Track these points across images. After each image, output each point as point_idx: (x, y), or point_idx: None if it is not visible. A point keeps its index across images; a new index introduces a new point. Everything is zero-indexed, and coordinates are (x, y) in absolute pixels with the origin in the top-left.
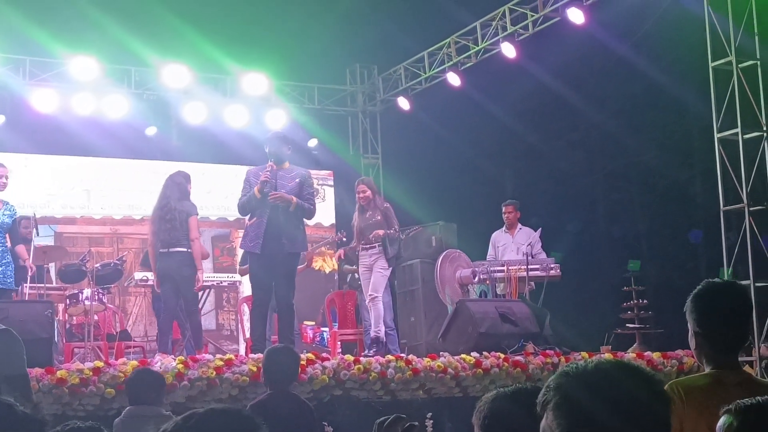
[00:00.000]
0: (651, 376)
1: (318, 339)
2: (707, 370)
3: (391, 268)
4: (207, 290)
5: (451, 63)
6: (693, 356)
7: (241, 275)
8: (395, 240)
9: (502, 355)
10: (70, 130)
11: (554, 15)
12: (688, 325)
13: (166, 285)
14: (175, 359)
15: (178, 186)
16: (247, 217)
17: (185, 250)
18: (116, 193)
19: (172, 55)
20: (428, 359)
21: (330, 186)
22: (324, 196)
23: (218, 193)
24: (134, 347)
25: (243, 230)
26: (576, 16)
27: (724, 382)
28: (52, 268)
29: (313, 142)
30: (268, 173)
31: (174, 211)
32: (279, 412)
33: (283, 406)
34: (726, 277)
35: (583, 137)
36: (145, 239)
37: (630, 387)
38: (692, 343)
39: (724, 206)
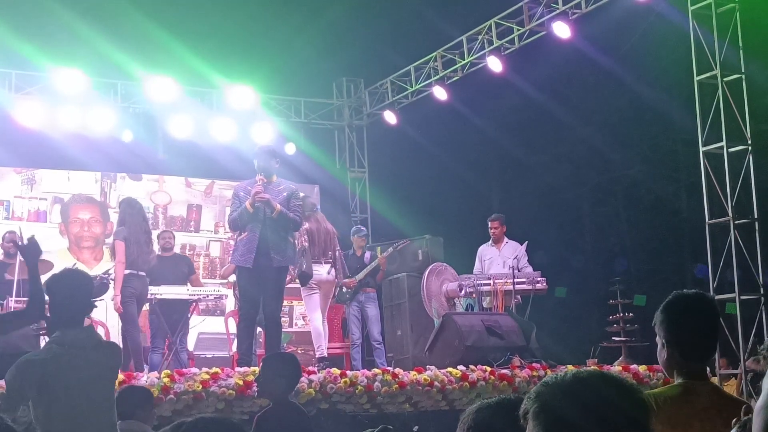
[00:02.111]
0: (630, 385)
1: None
2: (677, 380)
3: (303, 286)
4: (193, 304)
5: (438, 77)
6: None
7: (224, 278)
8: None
9: (489, 369)
10: (55, 143)
11: (540, 29)
12: (657, 337)
13: (135, 305)
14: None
15: (144, 213)
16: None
17: None
18: (102, 207)
19: (159, 69)
20: (415, 372)
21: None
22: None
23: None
24: None
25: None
26: (562, 30)
27: (693, 393)
28: None
29: (291, 149)
30: (259, 186)
31: (147, 234)
32: (283, 424)
33: (287, 417)
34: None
35: (569, 151)
36: None
37: (609, 395)
38: (662, 354)
39: (709, 220)
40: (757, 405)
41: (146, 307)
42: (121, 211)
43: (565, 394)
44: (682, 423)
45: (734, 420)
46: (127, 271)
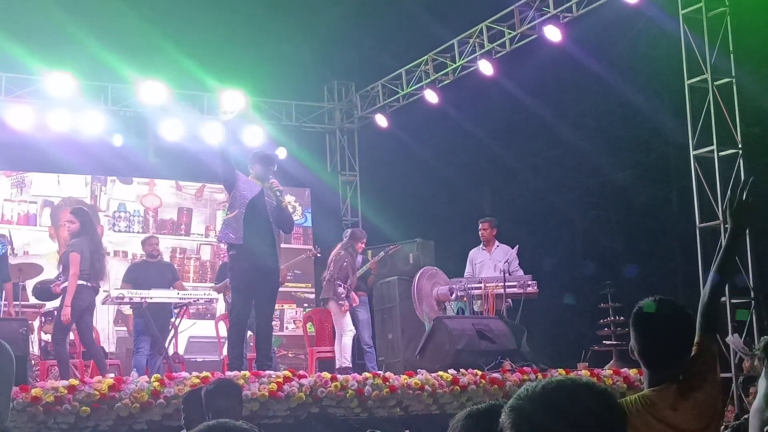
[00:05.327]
0: (602, 390)
1: None
2: (646, 384)
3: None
4: (183, 308)
5: (429, 80)
6: None
7: (218, 293)
8: None
9: (480, 372)
10: (45, 146)
11: (531, 32)
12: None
13: (86, 317)
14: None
15: (95, 223)
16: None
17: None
18: (92, 211)
19: (149, 72)
20: (405, 376)
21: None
22: (301, 213)
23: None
24: (110, 365)
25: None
26: (553, 33)
27: (653, 401)
28: (29, 285)
29: (282, 153)
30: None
31: (101, 247)
32: None
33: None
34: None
35: (559, 155)
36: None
37: (581, 401)
38: (632, 355)
39: (700, 223)
40: (753, 407)
41: (129, 310)
42: (81, 221)
43: (538, 405)
44: (640, 430)
45: (723, 427)
46: (80, 282)
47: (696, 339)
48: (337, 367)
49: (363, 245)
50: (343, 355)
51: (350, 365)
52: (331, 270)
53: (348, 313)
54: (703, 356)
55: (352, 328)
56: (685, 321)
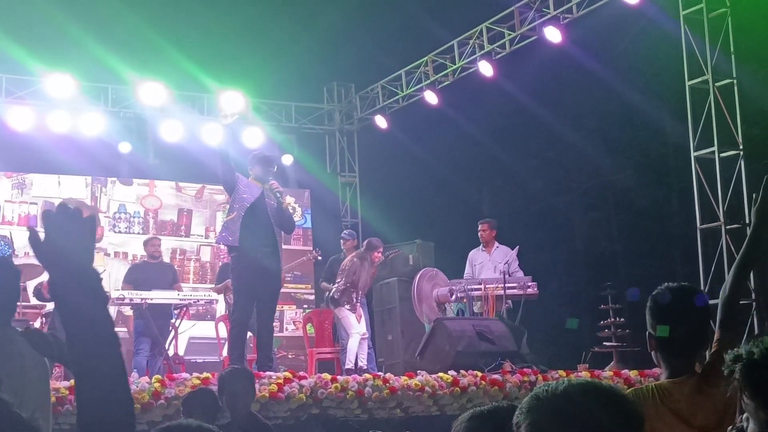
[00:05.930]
0: (622, 396)
1: None
2: (664, 375)
3: None
4: (183, 309)
5: (429, 81)
6: None
7: (218, 294)
8: None
9: (480, 374)
10: (46, 147)
11: (531, 33)
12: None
13: None
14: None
15: None
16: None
17: None
18: (92, 211)
19: (149, 73)
20: (405, 378)
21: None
22: (301, 215)
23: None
24: None
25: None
26: (553, 34)
27: (667, 391)
28: (29, 286)
29: (288, 159)
30: (275, 183)
31: None
32: None
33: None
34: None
35: (559, 156)
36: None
37: (601, 408)
38: (649, 345)
39: (700, 225)
40: None
41: (129, 311)
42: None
43: (557, 408)
44: (652, 419)
45: (729, 428)
46: None
47: (716, 336)
48: (347, 367)
49: (380, 254)
50: (348, 357)
51: (353, 367)
52: (343, 278)
53: (353, 315)
54: (724, 354)
55: (359, 330)
56: (701, 307)
